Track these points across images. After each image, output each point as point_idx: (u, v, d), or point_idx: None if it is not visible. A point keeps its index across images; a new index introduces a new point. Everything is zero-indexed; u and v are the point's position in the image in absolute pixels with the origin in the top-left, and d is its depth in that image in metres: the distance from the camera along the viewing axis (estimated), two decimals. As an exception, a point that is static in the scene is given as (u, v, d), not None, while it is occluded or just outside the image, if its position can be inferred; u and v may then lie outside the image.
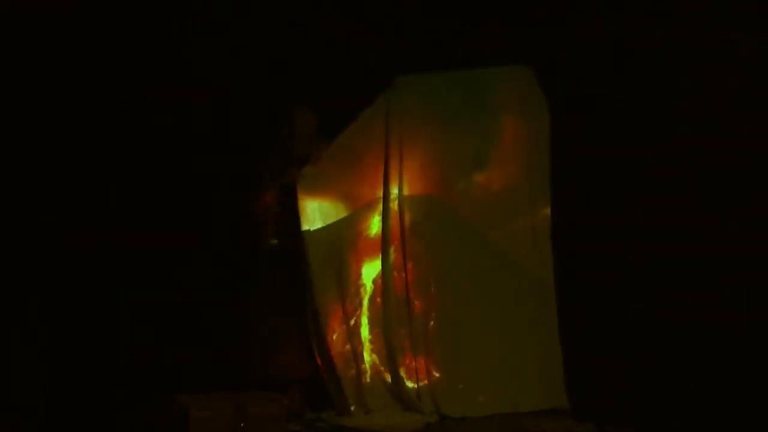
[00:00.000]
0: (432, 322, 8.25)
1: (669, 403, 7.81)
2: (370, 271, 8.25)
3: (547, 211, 8.34)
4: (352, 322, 8.13)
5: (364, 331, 8.18)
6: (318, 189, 8.00)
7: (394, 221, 8.22)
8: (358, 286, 8.22)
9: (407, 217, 8.24)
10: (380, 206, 8.21)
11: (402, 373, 8.12)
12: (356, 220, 8.19)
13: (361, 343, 8.13)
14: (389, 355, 8.07)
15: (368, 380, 8.09)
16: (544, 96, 8.29)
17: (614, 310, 8.16)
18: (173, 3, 7.84)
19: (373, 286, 8.24)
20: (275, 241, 7.85)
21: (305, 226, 7.93)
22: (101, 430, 7.26)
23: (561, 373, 8.19)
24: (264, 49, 8.03)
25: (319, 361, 7.95)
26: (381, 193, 8.17)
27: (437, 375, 8.23)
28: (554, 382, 8.23)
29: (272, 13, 8.02)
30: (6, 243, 7.52)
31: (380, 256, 8.21)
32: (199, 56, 7.91)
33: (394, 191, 8.20)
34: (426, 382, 8.18)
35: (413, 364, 8.18)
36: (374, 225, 8.25)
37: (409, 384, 8.17)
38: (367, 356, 8.15)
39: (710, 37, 7.92)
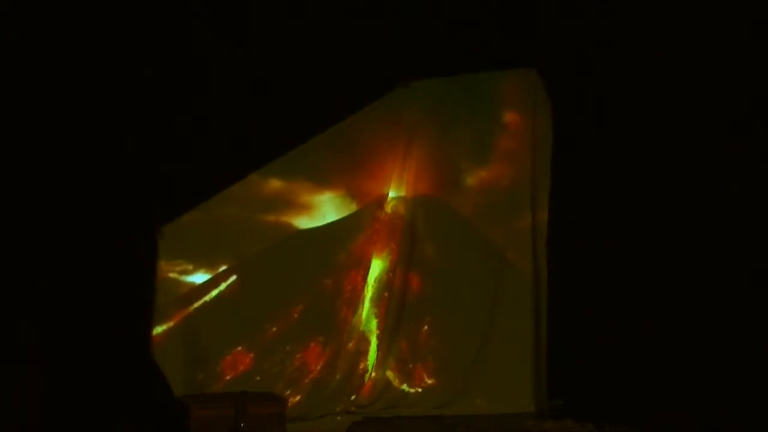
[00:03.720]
0: (427, 326, 8.31)
1: (668, 403, 7.82)
2: (374, 269, 8.30)
3: (545, 211, 8.40)
4: (355, 319, 8.18)
5: (371, 327, 8.24)
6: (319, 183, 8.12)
7: (396, 220, 8.30)
8: (367, 280, 8.28)
9: (409, 218, 8.30)
10: (384, 204, 8.29)
11: (404, 371, 8.24)
12: (362, 216, 8.24)
13: (365, 341, 8.21)
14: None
15: (372, 377, 8.17)
16: (548, 98, 8.36)
17: (614, 311, 8.17)
18: (173, 3, 7.84)
19: (376, 285, 8.29)
20: None
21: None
22: (102, 430, 7.27)
23: (545, 374, 8.30)
24: (264, 49, 8.03)
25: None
26: (386, 191, 8.26)
27: (434, 376, 8.29)
28: (542, 383, 8.30)
29: (272, 13, 8.02)
30: (6, 243, 7.52)
31: (383, 254, 8.31)
32: (198, 57, 7.91)
33: (399, 191, 8.30)
34: (423, 381, 8.26)
35: (410, 365, 8.26)
36: (379, 222, 8.30)
37: (406, 386, 8.26)
38: (373, 354, 8.21)
39: (710, 38, 7.93)
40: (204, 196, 7.88)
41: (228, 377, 7.79)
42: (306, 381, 7.95)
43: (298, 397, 7.88)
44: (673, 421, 7.51)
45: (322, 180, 8.12)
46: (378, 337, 8.23)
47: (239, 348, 7.83)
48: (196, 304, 7.76)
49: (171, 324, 7.69)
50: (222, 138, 7.94)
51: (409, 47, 8.12)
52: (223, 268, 7.85)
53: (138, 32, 7.77)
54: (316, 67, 8.03)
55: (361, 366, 8.18)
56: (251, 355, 7.85)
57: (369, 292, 8.28)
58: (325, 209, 8.13)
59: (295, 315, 7.98)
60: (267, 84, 7.98)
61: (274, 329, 7.92)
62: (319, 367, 7.99)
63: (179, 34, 7.87)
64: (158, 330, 7.63)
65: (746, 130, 7.92)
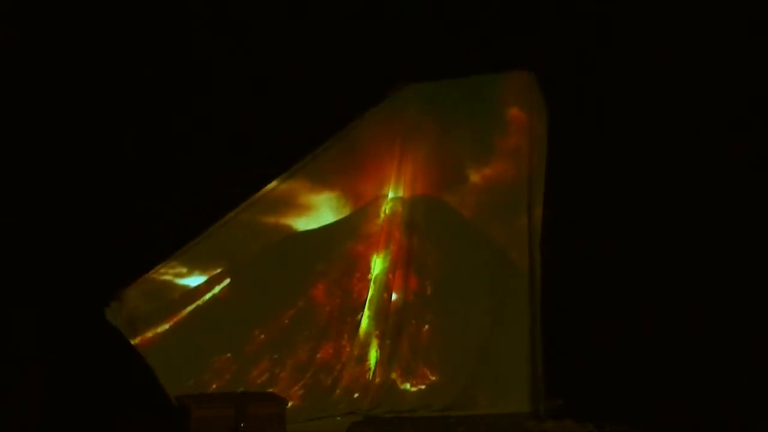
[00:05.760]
0: (427, 326, 8.32)
1: (668, 403, 7.82)
2: (374, 270, 8.30)
3: (540, 211, 8.42)
4: (356, 322, 8.19)
5: (371, 329, 8.25)
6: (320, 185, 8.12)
7: (394, 221, 8.31)
8: (365, 281, 8.28)
9: (408, 218, 8.32)
10: (383, 204, 8.31)
11: (402, 372, 8.25)
12: (359, 217, 8.25)
13: (366, 343, 8.22)
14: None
15: (375, 378, 8.18)
16: (543, 99, 8.39)
17: (613, 311, 8.17)
18: (173, 3, 7.86)
19: (375, 286, 8.29)
20: None
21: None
22: (102, 430, 7.27)
23: (541, 374, 8.32)
24: (264, 49, 8.04)
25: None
26: (384, 192, 8.27)
27: (437, 375, 8.29)
28: (537, 383, 8.32)
29: (272, 13, 8.04)
30: (6, 242, 7.53)
31: (383, 255, 8.32)
32: (198, 57, 7.93)
33: (397, 192, 8.32)
34: (426, 379, 8.27)
35: (412, 364, 8.26)
36: (377, 223, 8.31)
37: (407, 385, 8.26)
38: (374, 354, 8.21)
39: (709, 38, 7.94)
40: (204, 196, 7.89)
41: (218, 383, 7.76)
42: (301, 384, 7.95)
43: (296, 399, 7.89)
44: (673, 421, 7.51)
45: (320, 181, 8.14)
46: (378, 338, 8.23)
47: (230, 352, 7.81)
48: (190, 308, 7.74)
49: (166, 327, 7.67)
50: (222, 138, 7.96)
51: (409, 47, 8.14)
52: (217, 271, 7.85)
53: (138, 32, 7.79)
54: (316, 67, 8.05)
55: (363, 368, 8.18)
56: (242, 359, 7.83)
57: (369, 293, 8.28)
58: (322, 211, 8.15)
59: (285, 321, 7.97)
60: (267, 84, 8.00)
61: (265, 334, 7.91)
62: (314, 370, 7.98)
63: (179, 34, 7.89)
64: (151, 333, 7.61)
65: (745, 130, 7.94)
